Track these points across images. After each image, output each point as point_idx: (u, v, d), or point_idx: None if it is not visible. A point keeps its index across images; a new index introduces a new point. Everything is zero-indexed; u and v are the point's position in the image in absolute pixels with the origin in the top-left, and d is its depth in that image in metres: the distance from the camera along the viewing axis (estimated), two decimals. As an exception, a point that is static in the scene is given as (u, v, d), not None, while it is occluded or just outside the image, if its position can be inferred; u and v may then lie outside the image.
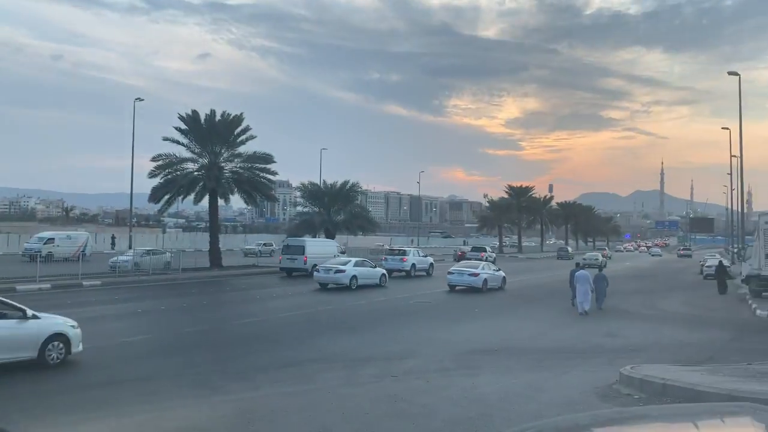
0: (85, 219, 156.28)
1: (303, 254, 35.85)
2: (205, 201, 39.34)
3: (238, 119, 39.06)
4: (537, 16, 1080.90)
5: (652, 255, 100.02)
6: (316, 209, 50.09)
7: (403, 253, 39.92)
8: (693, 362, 12.35)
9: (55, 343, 11.54)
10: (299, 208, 59.60)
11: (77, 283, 26.72)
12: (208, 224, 52.30)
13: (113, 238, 58.86)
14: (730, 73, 44.16)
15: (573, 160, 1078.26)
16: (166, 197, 38.05)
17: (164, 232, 77.83)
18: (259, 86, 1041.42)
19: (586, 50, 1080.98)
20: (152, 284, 29.16)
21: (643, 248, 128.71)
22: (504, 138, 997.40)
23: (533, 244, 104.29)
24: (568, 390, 10.09)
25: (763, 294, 24.92)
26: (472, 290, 28.13)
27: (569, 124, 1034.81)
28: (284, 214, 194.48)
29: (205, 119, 38.34)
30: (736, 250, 61.57)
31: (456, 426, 7.87)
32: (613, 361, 12.51)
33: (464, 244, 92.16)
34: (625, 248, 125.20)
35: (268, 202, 60.00)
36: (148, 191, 38.39)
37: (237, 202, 45.37)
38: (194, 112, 38.59)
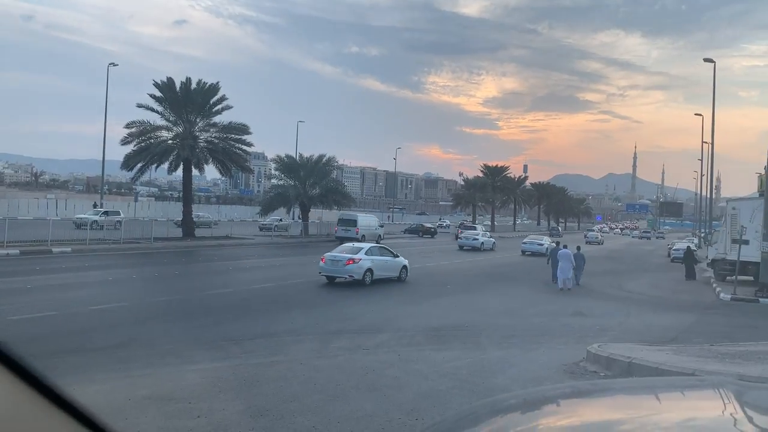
0: (54, 185, 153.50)
1: (356, 226, 44.56)
2: (179, 171, 38.91)
3: (214, 88, 38.55)
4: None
5: (632, 237, 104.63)
6: (292, 182, 49.85)
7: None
8: (658, 342, 12.66)
9: None
10: (274, 181, 59.36)
11: (47, 249, 26.35)
12: (181, 194, 51.75)
13: (95, 205, 57.94)
14: (705, 60, 44.70)
15: (548, 142, 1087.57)
16: (139, 165, 37.56)
17: (136, 200, 76.85)
18: (236, 55, 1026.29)
19: (565, 32, 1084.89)
20: (124, 252, 28.88)
21: (618, 231, 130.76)
22: (481, 117, 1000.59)
23: (508, 223, 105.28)
24: (537, 366, 10.30)
25: (728, 278, 25.55)
26: (440, 268, 28.67)
27: (546, 105, 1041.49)
28: (259, 186, 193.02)
29: (180, 87, 37.76)
30: (703, 235, 62.95)
31: (426, 399, 7.99)
32: (581, 340, 12.78)
33: (440, 221, 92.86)
34: (600, 230, 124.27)
35: (242, 174, 59.67)
36: (121, 158, 37.84)
37: (211, 172, 45.09)
38: (169, 79, 37.96)
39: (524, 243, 44.10)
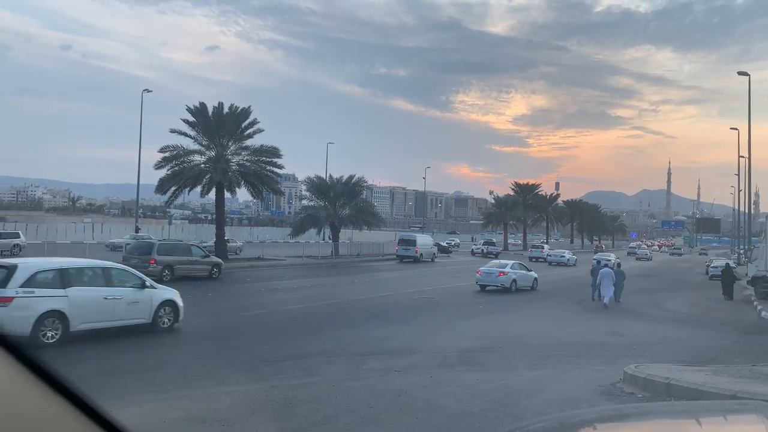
0: (91, 209, 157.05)
1: (415, 245, 47.93)
2: (212, 193, 39.47)
3: (246, 112, 39.14)
4: (546, 12, 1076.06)
5: (671, 254, 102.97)
6: (322, 203, 50.18)
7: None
8: (697, 363, 12.33)
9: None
10: (305, 202, 59.74)
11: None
12: (213, 216, 52.44)
13: (137, 229, 59.25)
14: (739, 73, 43.95)
15: (580, 158, 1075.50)
16: (173, 189, 38.20)
17: (170, 223, 78.13)
18: (266, 79, 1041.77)
19: (595, 48, 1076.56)
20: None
21: (656, 248, 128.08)
22: (511, 135, 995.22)
23: (539, 241, 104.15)
24: (572, 388, 10.10)
25: (769, 296, 24.87)
26: (476, 287, 28.37)
27: (577, 122, 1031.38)
28: (290, 207, 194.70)
29: (212, 112, 38.44)
30: (742, 252, 61.43)
31: (459, 421, 7.90)
32: (617, 360, 12.51)
33: (472, 240, 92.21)
34: (638, 246, 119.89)
35: (273, 196, 60.20)
36: (155, 182, 38.55)
37: (243, 194, 45.66)
38: (202, 104, 38.70)
39: (594, 259, 45.91)
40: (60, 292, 12.20)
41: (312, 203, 52.67)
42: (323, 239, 55.02)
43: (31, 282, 11.85)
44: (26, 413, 0.93)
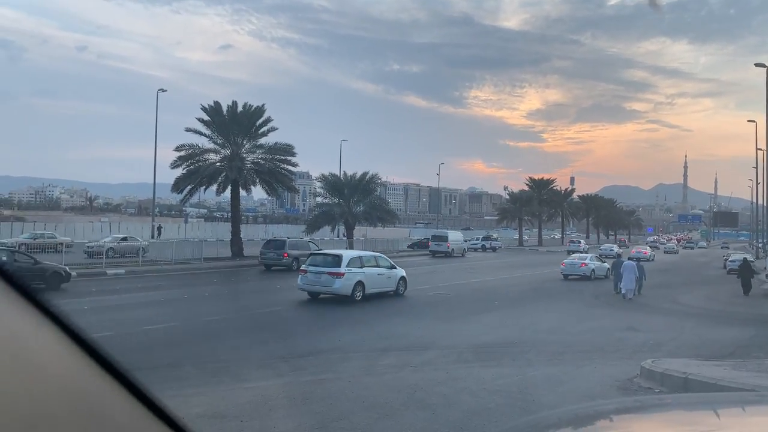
0: (108, 209, 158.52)
1: (447, 241, 51.15)
2: (227, 192, 39.70)
3: (260, 111, 39.30)
4: (559, 6, 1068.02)
5: (684, 248, 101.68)
6: (336, 200, 50.25)
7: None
8: (715, 357, 12.24)
9: None
10: (319, 199, 59.86)
11: (101, 272, 27.15)
12: (229, 214, 52.74)
13: (159, 228, 59.82)
14: (757, 65, 43.47)
15: (595, 153, 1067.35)
16: (189, 187, 38.50)
17: (186, 221, 78.64)
18: (279, 77, 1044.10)
19: (609, 41, 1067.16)
20: (174, 273, 29.53)
21: (675, 242, 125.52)
22: (525, 130, 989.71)
23: (555, 236, 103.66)
24: (589, 382, 10.08)
25: (789, 289, 24.59)
26: (492, 284, 28.48)
27: (592, 116, 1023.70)
28: (304, 204, 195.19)
29: (227, 110, 38.65)
30: (760, 246, 60.73)
31: (475, 416, 7.92)
32: (634, 355, 12.46)
33: (488, 236, 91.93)
34: (656, 241, 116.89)
35: (288, 193, 60.35)
36: (171, 181, 38.86)
37: (258, 192, 45.88)
38: (216, 103, 38.93)
39: (633, 254, 49.32)
40: (360, 270, 21.02)
41: (326, 200, 52.77)
42: (338, 236, 55.13)
43: (349, 264, 20.64)
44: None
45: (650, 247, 75.58)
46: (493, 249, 65.77)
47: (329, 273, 20.33)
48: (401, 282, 22.68)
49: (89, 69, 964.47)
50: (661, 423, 1.96)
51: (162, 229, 59.09)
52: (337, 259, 20.73)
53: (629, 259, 31.14)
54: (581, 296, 25.40)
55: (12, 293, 0.89)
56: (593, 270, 32.68)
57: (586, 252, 52.34)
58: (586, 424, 1.99)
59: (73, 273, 23.66)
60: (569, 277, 32.74)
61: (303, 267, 21.65)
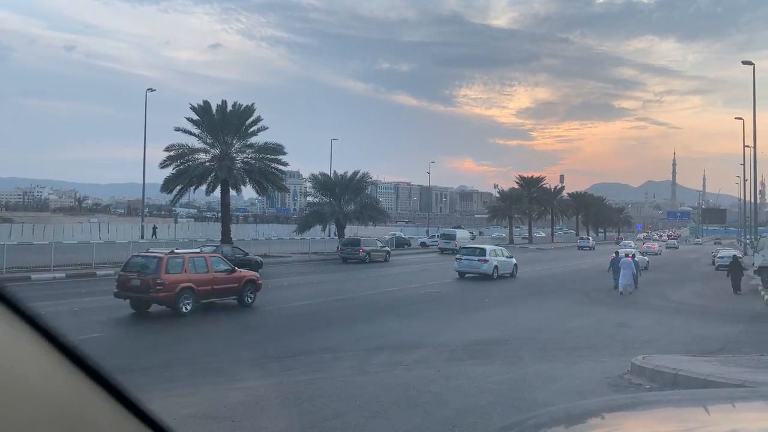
0: (97, 209, 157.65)
1: (455, 239, 53.34)
2: (217, 191, 39.56)
3: (250, 110, 39.19)
4: (548, 4, 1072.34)
5: (667, 248, 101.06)
6: (327, 200, 50.23)
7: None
8: (705, 353, 12.34)
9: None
10: (310, 199, 59.81)
11: (91, 272, 26.99)
12: (219, 214, 52.57)
13: (155, 228, 59.61)
14: (744, 63, 43.84)
15: (584, 151, 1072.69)
16: (179, 188, 38.34)
17: (176, 222, 78.26)
18: (269, 76, 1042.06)
19: (598, 39, 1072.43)
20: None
21: (666, 239, 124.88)
22: (515, 128, 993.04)
23: (543, 234, 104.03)
24: (580, 380, 10.13)
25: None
26: (482, 279, 28.68)
27: (581, 114, 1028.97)
28: (295, 204, 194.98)
29: (216, 110, 38.51)
30: (748, 242, 61.21)
31: (467, 414, 7.94)
32: (625, 352, 12.54)
33: (480, 234, 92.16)
34: (644, 238, 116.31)
35: (279, 193, 60.29)
36: (160, 181, 38.67)
37: (248, 192, 45.79)
38: (206, 102, 38.79)
39: (644, 249, 54.25)
40: (495, 258, 30.50)
41: (317, 200, 52.74)
42: (329, 235, 55.10)
43: (489, 253, 30.39)
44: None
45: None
46: (452, 251, 64.20)
47: (479, 260, 29.95)
48: (515, 268, 32.13)
49: (77, 69, 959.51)
50: (652, 420, 1.97)
51: (157, 229, 58.92)
52: (483, 251, 30.89)
53: (642, 254, 38.43)
54: (571, 293, 25.51)
55: None
56: (638, 263, 36.67)
57: (593, 248, 62.11)
58: (578, 422, 2.00)
59: (63, 274, 23.42)
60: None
61: (458, 256, 31.60)
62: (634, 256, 29.32)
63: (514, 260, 31.99)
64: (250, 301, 18.59)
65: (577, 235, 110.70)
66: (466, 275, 29.75)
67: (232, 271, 18.33)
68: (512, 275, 31.41)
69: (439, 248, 55.27)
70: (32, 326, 0.93)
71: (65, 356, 0.95)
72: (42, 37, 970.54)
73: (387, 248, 44.00)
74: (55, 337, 0.95)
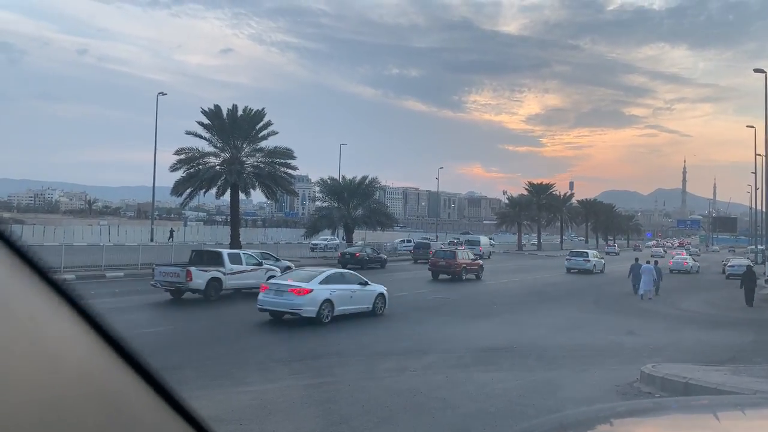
0: (107, 212, 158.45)
1: (479, 245, 54.95)
2: (227, 195, 39.68)
3: (260, 114, 39.32)
4: (559, 11, 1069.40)
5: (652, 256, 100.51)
6: (335, 204, 50.30)
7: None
8: (715, 363, 12.24)
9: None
10: (318, 203, 59.93)
11: (101, 274, 27.14)
12: (228, 218, 52.73)
13: (171, 231, 59.96)
14: (756, 71, 43.53)
15: (594, 158, 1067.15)
16: (188, 191, 38.44)
17: (185, 225, 78.64)
18: (279, 81, 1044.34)
19: (608, 46, 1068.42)
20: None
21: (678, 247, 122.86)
22: (524, 134, 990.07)
23: (553, 241, 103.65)
24: (588, 387, 10.08)
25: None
26: (491, 288, 28.63)
27: (591, 121, 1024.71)
28: (303, 208, 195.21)
29: (227, 114, 38.65)
30: (759, 251, 60.75)
31: (475, 420, 7.92)
32: (634, 360, 12.45)
33: (491, 241, 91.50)
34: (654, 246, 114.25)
35: (287, 197, 60.44)
36: (170, 184, 38.81)
37: (257, 196, 45.87)
38: (216, 107, 38.92)
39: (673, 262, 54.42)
40: (593, 258, 43.90)
41: (325, 204, 52.82)
42: (338, 240, 55.17)
43: (591, 255, 44.04)
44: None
45: (654, 255, 73.44)
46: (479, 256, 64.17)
47: (584, 260, 42.65)
48: (604, 266, 43.54)
49: (89, 72, 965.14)
50: (661, 427, 1.97)
51: (174, 233, 59.29)
52: (586, 253, 44.53)
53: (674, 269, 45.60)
54: (581, 300, 25.40)
55: (34, 278, 0.89)
56: (691, 267, 46.90)
57: (618, 254, 70.55)
58: (586, 428, 2.00)
59: (73, 276, 23.56)
60: (673, 271, 44.66)
61: (567, 256, 43.85)
62: (656, 262, 29.21)
63: (603, 261, 42.49)
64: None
65: (587, 242, 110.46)
66: (572, 270, 41.58)
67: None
68: (602, 271, 42.49)
69: None
70: (73, 307, 0.96)
71: (102, 339, 0.98)
72: (55, 40, 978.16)
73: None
74: (95, 320, 0.99)
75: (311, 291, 16.19)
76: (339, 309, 16.86)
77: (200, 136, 38.40)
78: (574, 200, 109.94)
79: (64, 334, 0.92)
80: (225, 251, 23.28)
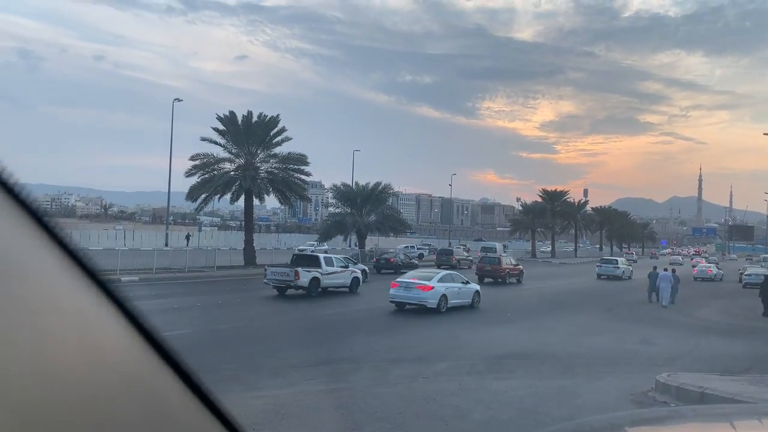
0: (123, 216, 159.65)
1: (496, 252, 51.16)
2: (241, 200, 39.94)
3: (274, 121, 39.56)
4: (573, 18, 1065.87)
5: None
6: (348, 210, 50.42)
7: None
8: (732, 372, 12.11)
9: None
10: (331, 209, 60.22)
11: (116, 279, 27.29)
12: (242, 223, 53.01)
13: (188, 236, 60.56)
14: (773, 78, 43.12)
15: (609, 165, 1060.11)
16: (203, 196, 38.74)
17: (200, 230, 79.03)
18: (293, 88, 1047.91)
19: (623, 53, 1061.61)
20: (188, 281, 29.68)
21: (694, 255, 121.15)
22: (538, 141, 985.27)
23: (567, 249, 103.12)
24: (602, 396, 10.01)
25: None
26: (505, 294, 28.58)
27: (605, 128, 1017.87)
28: (316, 214, 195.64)
29: (242, 120, 38.93)
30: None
31: (489, 428, 7.89)
32: (649, 369, 12.34)
33: (505, 248, 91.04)
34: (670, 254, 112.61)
35: (301, 203, 60.61)
36: (185, 190, 39.12)
37: (271, 201, 46.08)
38: (231, 113, 39.22)
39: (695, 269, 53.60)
40: (623, 266, 46.25)
41: (338, 210, 52.99)
42: (350, 246, 55.26)
43: (620, 263, 47.04)
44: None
45: (672, 262, 71.97)
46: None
47: (613, 266, 44.99)
48: (632, 272, 45.21)
49: (106, 78, 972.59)
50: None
51: (191, 237, 59.81)
52: (616, 261, 47.56)
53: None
54: (596, 308, 25.22)
55: (86, 281, 0.95)
56: (715, 275, 46.91)
57: (636, 261, 68.20)
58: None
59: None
60: (697, 279, 46.87)
61: (598, 263, 46.95)
62: (674, 270, 29.37)
63: (631, 268, 43.83)
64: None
65: (601, 249, 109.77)
66: (602, 277, 44.08)
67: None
68: (630, 278, 43.96)
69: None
70: (118, 307, 1.00)
71: (146, 341, 1.02)
72: (72, 47, 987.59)
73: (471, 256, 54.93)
74: (138, 321, 1.03)
75: (433, 288, 20.77)
76: (451, 302, 21.27)
77: (215, 142, 38.73)
78: (588, 207, 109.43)
79: (108, 331, 0.96)
80: (321, 255, 27.47)
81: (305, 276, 24.25)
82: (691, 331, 20.07)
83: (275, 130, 39.59)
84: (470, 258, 52.77)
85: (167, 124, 48.94)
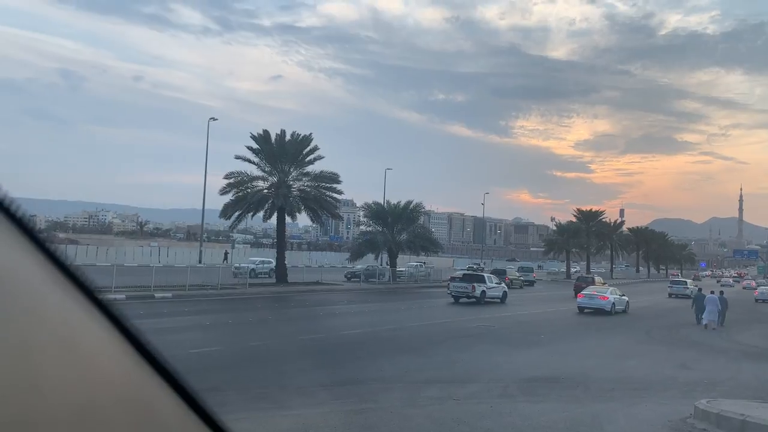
0: (158, 233, 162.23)
1: (533, 272, 63.16)
2: (274, 218, 40.25)
3: (307, 139, 39.91)
4: (608, 36, 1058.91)
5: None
6: (380, 229, 50.38)
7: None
8: (775, 399, 11.63)
9: None
10: (362, 228, 60.22)
11: (149, 295, 27.68)
12: (274, 240, 53.36)
13: (226, 253, 61.48)
14: (816, 96, 42.03)
15: (645, 185, 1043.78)
16: (237, 214, 39.13)
17: (233, 247, 79.87)
18: (326, 106, 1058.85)
19: (660, 71, 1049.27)
20: (220, 298, 29.90)
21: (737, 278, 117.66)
22: (573, 160, 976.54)
23: (601, 270, 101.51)
24: (639, 422, 9.70)
25: None
26: (538, 317, 28.10)
27: (642, 147, 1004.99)
28: (348, 232, 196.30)
29: (275, 139, 39.37)
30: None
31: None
32: (688, 395, 11.95)
33: (539, 268, 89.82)
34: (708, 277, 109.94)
35: (332, 221, 60.91)
36: (219, 207, 39.59)
37: (303, 219, 46.38)
38: (265, 131, 39.70)
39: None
40: (691, 286, 50.98)
41: (370, 229, 52.97)
42: (381, 265, 55.16)
43: (689, 284, 55.50)
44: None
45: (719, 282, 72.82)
46: (532, 282, 60.93)
47: (683, 287, 51.06)
48: (695, 291, 41.02)
49: (144, 98, 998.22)
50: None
51: (228, 255, 60.51)
52: (685, 282, 54.23)
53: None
54: (631, 331, 24.65)
55: (73, 290, 0.93)
56: (726, 300, 49.03)
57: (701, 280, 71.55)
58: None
59: (123, 296, 24.11)
60: (758, 300, 51.02)
61: (669, 284, 54.88)
62: (722, 293, 29.27)
63: (698, 288, 41.88)
64: None
65: (638, 271, 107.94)
66: (672, 295, 50.21)
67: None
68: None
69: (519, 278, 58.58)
70: (107, 316, 0.98)
71: (134, 348, 0.99)
72: (112, 67, 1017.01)
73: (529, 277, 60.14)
74: (127, 329, 1.00)
75: (608, 297, 31.04)
76: (617, 308, 31.14)
77: (249, 161, 39.18)
78: (624, 228, 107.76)
79: (102, 348, 0.94)
80: (485, 274, 37.72)
81: (478, 289, 32.52)
82: (734, 355, 19.44)
83: (308, 148, 39.93)
84: (521, 278, 55.83)
85: (203, 143, 49.74)
